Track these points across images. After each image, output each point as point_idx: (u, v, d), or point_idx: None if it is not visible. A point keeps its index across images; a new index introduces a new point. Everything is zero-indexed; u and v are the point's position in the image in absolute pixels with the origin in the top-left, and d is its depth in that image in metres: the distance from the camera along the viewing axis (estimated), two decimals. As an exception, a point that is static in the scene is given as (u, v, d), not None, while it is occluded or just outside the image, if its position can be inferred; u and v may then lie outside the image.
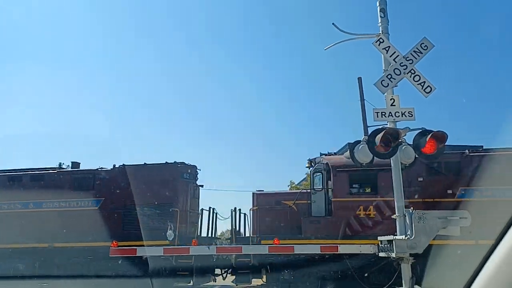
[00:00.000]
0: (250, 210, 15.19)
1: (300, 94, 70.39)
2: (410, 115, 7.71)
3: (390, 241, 7.52)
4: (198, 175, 16.51)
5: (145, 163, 15.80)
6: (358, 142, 7.65)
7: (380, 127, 7.49)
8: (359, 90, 13.47)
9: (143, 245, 14.41)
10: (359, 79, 13.89)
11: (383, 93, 7.86)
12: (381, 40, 8.05)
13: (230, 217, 15.17)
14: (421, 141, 7.28)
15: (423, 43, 7.91)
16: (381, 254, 8.25)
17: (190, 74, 68.93)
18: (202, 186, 16.71)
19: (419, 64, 7.93)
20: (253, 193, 15.31)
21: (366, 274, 12.74)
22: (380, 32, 8.19)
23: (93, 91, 67.27)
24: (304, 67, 69.41)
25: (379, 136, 7.08)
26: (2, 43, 61.05)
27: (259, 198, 15.10)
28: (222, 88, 69.91)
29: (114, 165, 15.94)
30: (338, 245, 13.21)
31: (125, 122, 64.64)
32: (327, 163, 14.47)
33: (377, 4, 8.35)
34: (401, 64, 7.85)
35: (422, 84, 7.73)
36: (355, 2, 61.40)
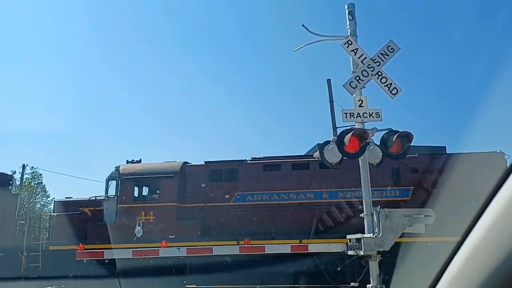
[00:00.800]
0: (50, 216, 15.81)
1: (270, 95, 70.76)
2: (378, 116, 7.90)
3: (358, 239, 7.68)
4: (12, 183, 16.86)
5: None
6: (327, 142, 7.78)
7: (349, 127, 7.65)
8: (328, 91, 13.71)
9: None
10: (328, 80, 14.20)
11: (352, 94, 8.02)
12: (349, 42, 8.21)
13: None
14: (388, 141, 7.48)
15: (389, 46, 8.12)
16: (350, 252, 8.41)
17: (147, 72, 67.95)
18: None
19: (386, 66, 8.15)
20: (54, 201, 16.42)
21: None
22: (349, 34, 8.35)
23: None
24: (273, 68, 69.81)
25: (348, 136, 7.22)
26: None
27: (60, 206, 15.72)
28: (184, 87, 69.31)
29: None
30: (308, 244, 13.41)
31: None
32: (118, 171, 15.13)
33: (345, 7, 8.51)
34: (369, 66, 8.03)
35: (389, 85, 7.93)
36: (324, 4, 62.30)
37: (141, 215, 14.35)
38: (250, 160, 15.41)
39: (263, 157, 15.50)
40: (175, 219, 14.35)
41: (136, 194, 14.97)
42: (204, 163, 15.58)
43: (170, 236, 14.06)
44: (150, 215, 14.38)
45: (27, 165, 17.48)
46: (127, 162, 15.99)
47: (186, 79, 69.11)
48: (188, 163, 15.63)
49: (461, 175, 11.92)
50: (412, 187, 13.81)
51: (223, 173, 14.91)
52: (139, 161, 16.09)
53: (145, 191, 15.35)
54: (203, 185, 14.82)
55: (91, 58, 63.63)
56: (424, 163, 14.22)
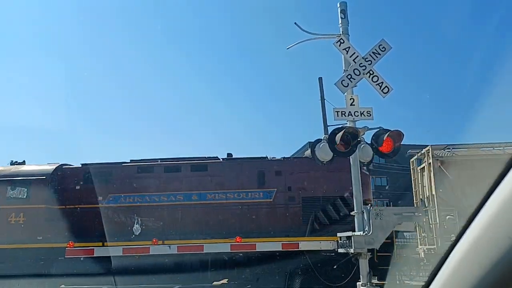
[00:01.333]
0: None
1: (260, 93, 70.77)
2: (369, 115, 7.93)
3: (348, 237, 7.72)
4: None
5: None
6: (318, 140, 7.79)
7: (340, 126, 7.67)
8: (319, 90, 13.73)
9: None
10: (320, 79, 14.22)
11: (343, 93, 8.05)
12: (341, 41, 8.23)
13: None
14: (379, 139, 7.52)
15: (381, 45, 8.15)
16: (340, 250, 8.46)
17: (134, 71, 67.57)
18: None
19: (378, 65, 8.18)
20: None
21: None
22: (341, 32, 8.37)
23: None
24: (263, 67, 69.77)
25: (339, 135, 7.25)
26: None
27: None
28: (171, 87, 68.96)
29: None
30: (299, 242, 13.45)
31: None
32: None
33: (338, 5, 8.53)
34: (361, 65, 8.06)
35: (380, 84, 7.97)
36: (316, 3, 62.38)
37: (12, 216, 14.46)
38: (126, 163, 15.53)
39: (140, 159, 15.64)
40: (44, 221, 14.36)
41: (8, 195, 14.95)
42: (80, 165, 15.69)
43: (38, 238, 14.13)
44: (20, 217, 14.55)
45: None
46: (11, 163, 16.20)
47: (173, 75, 68.80)
48: (66, 165, 15.80)
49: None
50: (275, 189, 14.30)
51: (97, 175, 14.94)
52: (23, 163, 16.27)
53: (18, 192, 15.29)
54: (78, 187, 15.00)
55: (81, 52, 62.99)
56: (288, 166, 14.77)
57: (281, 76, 67.46)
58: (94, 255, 13.94)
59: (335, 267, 12.79)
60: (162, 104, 68.31)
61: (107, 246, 13.97)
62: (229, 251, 13.72)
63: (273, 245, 13.58)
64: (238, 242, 13.58)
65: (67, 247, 13.94)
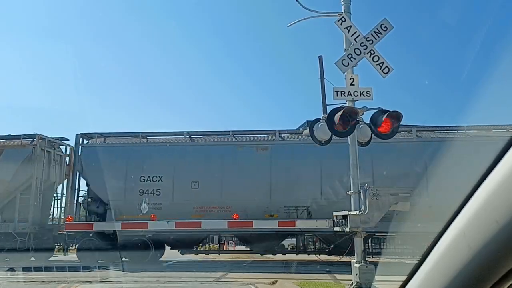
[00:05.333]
0: None
1: (260, 70, 70.22)
2: (368, 95, 7.90)
3: (344, 216, 7.80)
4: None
5: None
6: (317, 120, 7.78)
7: (339, 106, 7.65)
8: (319, 69, 13.61)
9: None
10: (320, 57, 14.05)
11: (343, 72, 7.99)
12: (343, 19, 8.12)
13: None
14: (377, 120, 7.52)
15: (383, 24, 8.05)
16: (336, 229, 8.57)
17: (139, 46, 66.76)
18: None
19: (379, 45, 8.10)
20: None
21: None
22: (343, 11, 8.25)
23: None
24: (264, 44, 68.97)
25: (338, 114, 7.24)
26: None
27: None
28: (173, 64, 68.36)
29: None
30: (295, 220, 13.62)
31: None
32: None
33: (340, -17, 8.37)
34: (362, 44, 7.98)
35: (381, 64, 7.91)
36: (319, -21, 61.18)
37: None
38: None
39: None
40: None
41: None
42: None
43: None
44: None
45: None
46: None
47: (173, 51, 68.09)
48: None
49: None
50: None
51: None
52: None
53: None
54: None
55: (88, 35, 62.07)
56: None
57: (282, 53, 66.77)
58: (93, 230, 14.11)
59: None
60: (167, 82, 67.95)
61: (106, 221, 14.15)
62: (226, 228, 13.90)
63: (270, 222, 13.74)
64: (235, 219, 13.73)
65: (66, 221, 14.10)
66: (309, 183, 14.28)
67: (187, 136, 15.85)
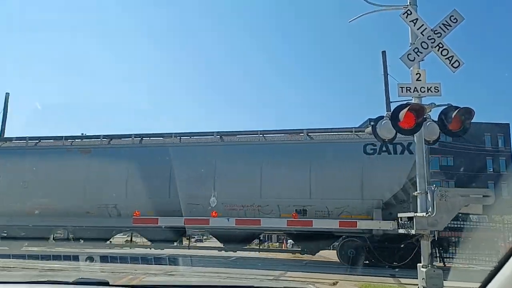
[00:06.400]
0: None
1: (318, 67, 69.24)
2: (437, 91, 7.48)
3: (410, 218, 7.46)
4: None
5: None
6: (381, 117, 7.50)
7: (405, 102, 7.32)
8: (382, 64, 13.13)
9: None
10: (383, 53, 13.63)
11: (409, 68, 7.63)
12: (408, 12, 7.76)
13: None
14: (447, 117, 7.10)
15: (452, 16, 7.59)
16: (401, 231, 8.23)
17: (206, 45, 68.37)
18: None
19: (447, 38, 7.65)
20: None
21: None
22: (408, 3, 7.89)
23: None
24: (325, 41, 67.82)
25: (403, 112, 6.92)
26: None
27: None
28: (235, 62, 69.31)
29: None
30: (357, 220, 13.29)
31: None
32: None
33: (406, -26, 8.00)
34: (429, 38, 7.57)
35: (450, 58, 7.46)
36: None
37: None
38: None
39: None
40: None
41: None
42: None
43: None
44: None
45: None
46: None
47: (238, 53, 69.21)
48: None
49: None
50: None
51: None
52: None
53: None
54: None
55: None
56: None
57: (341, 50, 65.41)
58: (158, 224, 14.72)
59: None
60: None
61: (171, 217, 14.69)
62: (285, 226, 13.90)
63: (330, 222, 13.54)
64: (294, 218, 13.69)
65: (133, 215, 14.83)
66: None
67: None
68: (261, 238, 18.96)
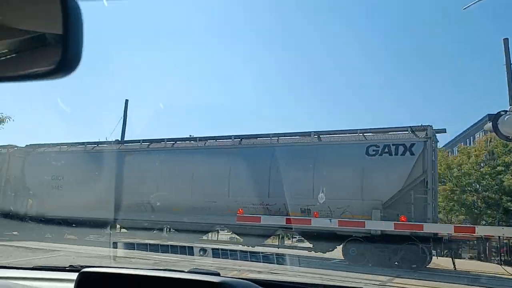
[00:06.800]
0: None
1: (412, 63, 64.60)
2: None
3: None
4: None
5: None
6: (502, 112, 6.71)
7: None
8: (504, 53, 11.84)
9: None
10: (505, 40, 12.20)
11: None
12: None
13: None
14: None
15: None
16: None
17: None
18: None
19: None
20: None
21: None
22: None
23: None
24: (421, 34, 62.81)
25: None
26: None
27: None
28: (331, 55, 67.94)
29: None
30: (475, 227, 12.17)
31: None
32: None
33: None
34: None
35: None
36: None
37: None
38: None
39: None
40: None
41: None
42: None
43: None
44: None
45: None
46: None
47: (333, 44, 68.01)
48: None
49: None
50: None
51: None
52: None
53: None
54: None
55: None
56: None
57: (437, 45, 60.19)
58: (261, 223, 15.06)
59: None
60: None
61: (272, 216, 14.94)
62: (393, 229, 13.27)
63: (445, 227, 12.66)
64: (403, 221, 13.03)
65: (237, 213, 15.37)
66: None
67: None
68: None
